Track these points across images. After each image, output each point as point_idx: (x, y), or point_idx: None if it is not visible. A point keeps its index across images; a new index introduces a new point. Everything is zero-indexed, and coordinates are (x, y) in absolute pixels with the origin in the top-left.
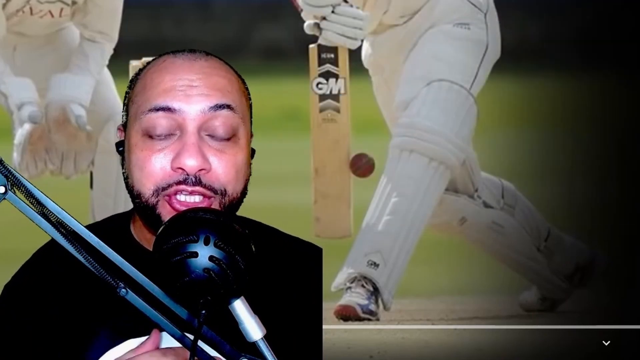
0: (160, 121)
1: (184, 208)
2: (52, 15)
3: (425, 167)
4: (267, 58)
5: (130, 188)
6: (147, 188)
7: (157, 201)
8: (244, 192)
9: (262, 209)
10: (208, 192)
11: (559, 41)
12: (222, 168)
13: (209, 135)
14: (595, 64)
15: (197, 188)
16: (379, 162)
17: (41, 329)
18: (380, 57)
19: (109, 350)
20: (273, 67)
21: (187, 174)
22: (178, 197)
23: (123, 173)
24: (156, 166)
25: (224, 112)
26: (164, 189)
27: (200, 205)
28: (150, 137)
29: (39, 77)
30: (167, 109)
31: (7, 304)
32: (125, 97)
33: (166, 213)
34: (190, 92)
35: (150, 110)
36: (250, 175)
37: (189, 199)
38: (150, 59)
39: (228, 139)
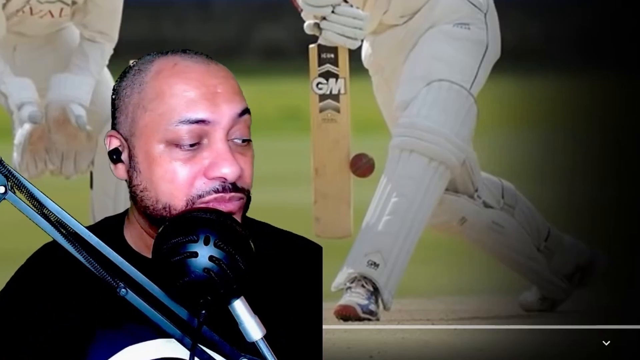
0: (192, 132)
1: (230, 208)
2: (52, 15)
3: (425, 167)
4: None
5: (150, 200)
6: (179, 199)
7: None
8: None
9: (262, 209)
10: (241, 195)
11: (559, 41)
12: (247, 170)
13: (232, 140)
14: (595, 64)
15: (234, 194)
16: (379, 162)
17: (41, 332)
18: (380, 57)
19: (110, 358)
20: (273, 67)
21: (229, 183)
22: (215, 204)
23: (136, 185)
24: (189, 176)
25: (246, 117)
26: (200, 196)
27: (235, 209)
28: (177, 147)
29: (39, 77)
30: (200, 122)
31: (6, 307)
32: (121, 100)
33: None
34: (217, 100)
35: (182, 122)
36: None
37: (228, 206)
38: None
39: (247, 142)
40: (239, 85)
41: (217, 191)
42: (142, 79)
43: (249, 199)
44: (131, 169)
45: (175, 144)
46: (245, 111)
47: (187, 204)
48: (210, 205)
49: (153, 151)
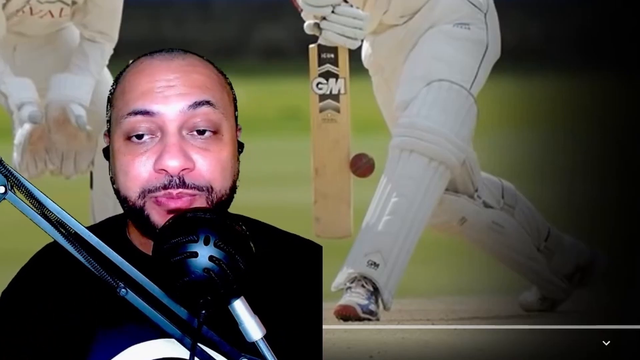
0: (140, 125)
1: (172, 207)
2: (52, 15)
3: (425, 167)
4: (267, 58)
5: (117, 193)
6: (132, 191)
7: (144, 202)
8: (233, 189)
9: (262, 209)
10: (192, 192)
11: (559, 41)
12: (206, 165)
13: (191, 134)
14: (595, 64)
15: (182, 190)
16: (379, 162)
17: (42, 333)
18: (380, 57)
19: (112, 359)
20: (273, 67)
21: (171, 175)
22: (164, 199)
23: (110, 178)
24: (140, 170)
25: (204, 109)
26: (150, 191)
27: (185, 205)
28: (132, 141)
29: (39, 77)
30: (145, 113)
31: (6, 309)
32: (108, 101)
33: (155, 214)
34: (168, 92)
35: (129, 114)
36: (239, 169)
37: (177, 203)
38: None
39: (210, 136)
40: (211, 79)
41: (164, 187)
42: (116, 80)
43: (222, 197)
44: (110, 163)
45: (128, 137)
46: (203, 103)
47: (139, 196)
48: (160, 199)
49: (115, 145)
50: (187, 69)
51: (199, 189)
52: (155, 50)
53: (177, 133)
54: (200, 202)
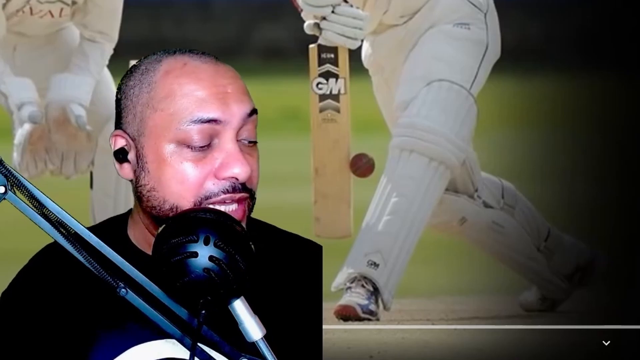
0: (203, 132)
1: (239, 217)
2: (52, 15)
3: (425, 167)
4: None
5: (157, 200)
6: (187, 200)
7: None
8: None
9: (262, 209)
10: (248, 195)
11: (559, 41)
12: (255, 171)
13: (240, 140)
14: (595, 64)
15: (243, 194)
16: (379, 162)
17: (42, 334)
18: (380, 57)
19: (114, 359)
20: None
21: (240, 183)
22: (221, 206)
23: (144, 185)
24: (199, 177)
25: (254, 117)
26: (207, 197)
27: (242, 211)
28: (187, 147)
29: (39, 77)
30: (210, 121)
31: (6, 310)
32: (128, 99)
33: None
34: (227, 99)
35: (193, 121)
36: None
37: (232, 208)
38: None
39: (253, 143)
40: (246, 85)
41: (226, 192)
42: (150, 79)
43: (254, 200)
44: (139, 168)
45: (186, 144)
46: (254, 111)
47: (194, 205)
48: (218, 206)
49: (163, 151)
50: (232, 75)
51: (251, 193)
52: (180, 50)
53: (236, 140)
54: (246, 207)
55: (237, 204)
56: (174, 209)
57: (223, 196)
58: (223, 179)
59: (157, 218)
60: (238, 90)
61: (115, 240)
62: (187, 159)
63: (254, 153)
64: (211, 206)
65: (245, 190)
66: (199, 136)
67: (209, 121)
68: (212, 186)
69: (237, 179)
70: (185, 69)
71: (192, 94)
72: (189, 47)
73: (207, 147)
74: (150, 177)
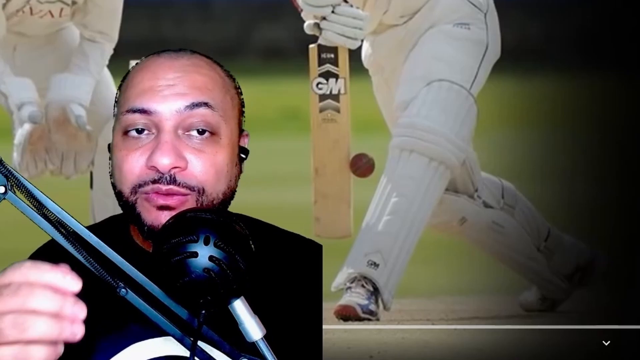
0: (137, 121)
1: (161, 203)
2: (52, 15)
3: (425, 167)
4: (267, 58)
5: (114, 188)
6: (126, 187)
7: (136, 199)
8: (229, 194)
9: (262, 209)
10: (183, 190)
11: (559, 41)
12: (199, 166)
13: (187, 134)
14: (595, 64)
15: (171, 187)
16: (379, 162)
17: None
18: (380, 57)
19: (114, 356)
20: (273, 67)
21: (162, 173)
22: (153, 195)
23: (109, 173)
24: (133, 165)
25: (202, 110)
26: (140, 186)
27: (174, 204)
28: (129, 136)
29: (39, 77)
30: (143, 111)
31: None
32: (115, 99)
33: (145, 210)
34: (167, 92)
35: (128, 111)
36: (240, 174)
37: (167, 200)
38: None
39: (207, 137)
40: (213, 81)
41: (154, 181)
42: (125, 77)
43: (214, 200)
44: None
45: (124, 132)
46: (201, 104)
47: (131, 192)
48: (150, 196)
49: (114, 139)
50: (189, 69)
51: (190, 188)
52: (164, 50)
53: (172, 132)
54: (191, 203)
55: (170, 198)
56: (120, 195)
57: (152, 186)
58: (149, 168)
59: (122, 209)
60: (186, 83)
61: (117, 239)
62: (126, 147)
63: (205, 148)
64: (145, 195)
65: (174, 184)
66: (132, 124)
67: (141, 111)
68: (145, 175)
69: (157, 168)
70: (146, 64)
71: (137, 85)
72: (189, 47)
73: (146, 137)
74: (111, 165)
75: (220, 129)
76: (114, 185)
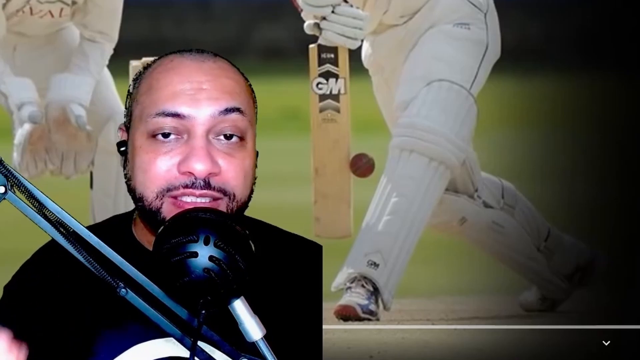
0: (168, 125)
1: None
2: (52, 15)
3: (425, 167)
4: (267, 58)
5: (132, 191)
6: (150, 191)
7: (162, 203)
8: (249, 197)
9: (262, 209)
10: (217, 194)
11: (559, 41)
12: (231, 172)
13: (217, 138)
14: (595, 64)
15: (206, 191)
16: (379, 162)
17: (43, 331)
18: (380, 57)
19: (115, 358)
20: (273, 67)
21: (196, 178)
22: (184, 199)
23: (125, 175)
24: (161, 169)
25: (233, 116)
26: (169, 190)
27: (207, 206)
28: (157, 139)
29: (39, 77)
30: (175, 115)
31: (7, 306)
32: (128, 96)
33: (171, 214)
34: (199, 95)
35: (158, 114)
36: (256, 179)
37: (197, 200)
38: (150, 59)
39: (237, 142)
40: (240, 85)
41: (185, 187)
42: (142, 75)
43: (244, 203)
44: (125, 159)
45: (153, 135)
46: (233, 110)
47: (157, 196)
48: (180, 200)
49: (137, 141)
50: (218, 73)
51: (224, 192)
52: (184, 50)
53: (205, 136)
54: (222, 207)
55: (209, 199)
56: (141, 199)
57: (183, 190)
58: (183, 174)
59: (142, 212)
60: (216, 87)
61: (120, 238)
62: (153, 150)
63: (235, 153)
64: (173, 199)
65: (208, 188)
66: (164, 128)
67: (174, 115)
68: (174, 179)
69: (193, 174)
70: (170, 65)
71: (165, 88)
72: (189, 48)
73: (175, 140)
74: (129, 167)
75: (247, 134)
76: (131, 189)
